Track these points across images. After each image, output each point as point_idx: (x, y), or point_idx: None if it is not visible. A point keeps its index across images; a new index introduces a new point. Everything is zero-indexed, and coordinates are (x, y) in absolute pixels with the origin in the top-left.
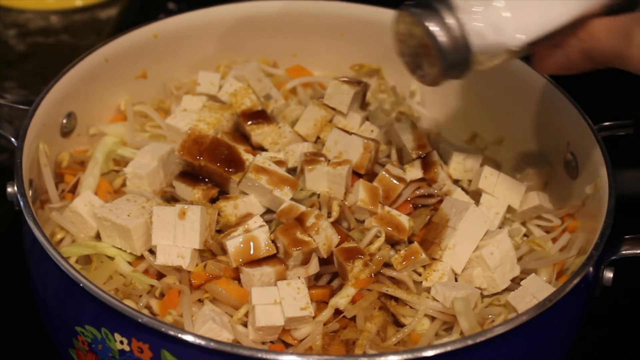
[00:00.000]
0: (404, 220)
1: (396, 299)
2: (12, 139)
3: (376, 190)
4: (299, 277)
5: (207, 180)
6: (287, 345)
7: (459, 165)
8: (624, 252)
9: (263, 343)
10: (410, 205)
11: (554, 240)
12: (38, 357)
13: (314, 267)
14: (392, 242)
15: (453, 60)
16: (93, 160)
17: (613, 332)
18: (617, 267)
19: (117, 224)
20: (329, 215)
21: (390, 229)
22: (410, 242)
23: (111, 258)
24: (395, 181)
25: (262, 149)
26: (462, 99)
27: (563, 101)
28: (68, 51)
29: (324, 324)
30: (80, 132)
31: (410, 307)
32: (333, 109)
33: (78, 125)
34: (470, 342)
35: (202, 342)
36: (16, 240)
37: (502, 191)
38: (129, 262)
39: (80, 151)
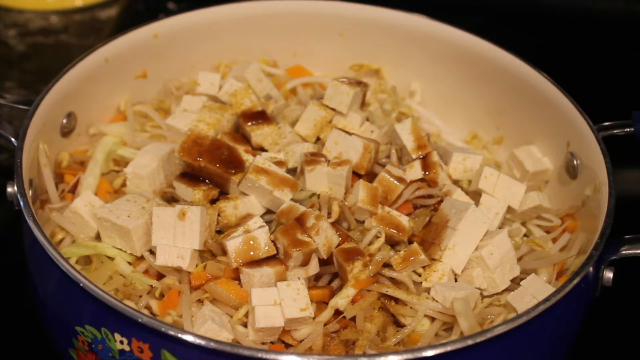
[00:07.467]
0: (404, 220)
1: (396, 300)
2: (12, 139)
3: (376, 190)
4: (298, 278)
5: (207, 180)
6: (287, 345)
7: (459, 165)
8: (624, 252)
9: (263, 343)
10: (411, 206)
11: (554, 240)
12: (38, 357)
13: (313, 267)
14: (392, 243)
15: None
16: (93, 160)
17: (613, 332)
18: (617, 267)
19: (117, 225)
20: (329, 215)
21: (390, 229)
22: (410, 242)
23: (111, 258)
24: (395, 182)
25: (262, 149)
26: (462, 99)
27: (563, 101)
28: (68, 51)
29: (324, 325)
30: (80, 132)
31: (410, 308)
32: (333, 109)
33: (78, 125)
34: (470, 342)
35: (202, 342)
36: (16, 240)
37: (502, 191)
38: (129, 263)
39: (80, 151)
